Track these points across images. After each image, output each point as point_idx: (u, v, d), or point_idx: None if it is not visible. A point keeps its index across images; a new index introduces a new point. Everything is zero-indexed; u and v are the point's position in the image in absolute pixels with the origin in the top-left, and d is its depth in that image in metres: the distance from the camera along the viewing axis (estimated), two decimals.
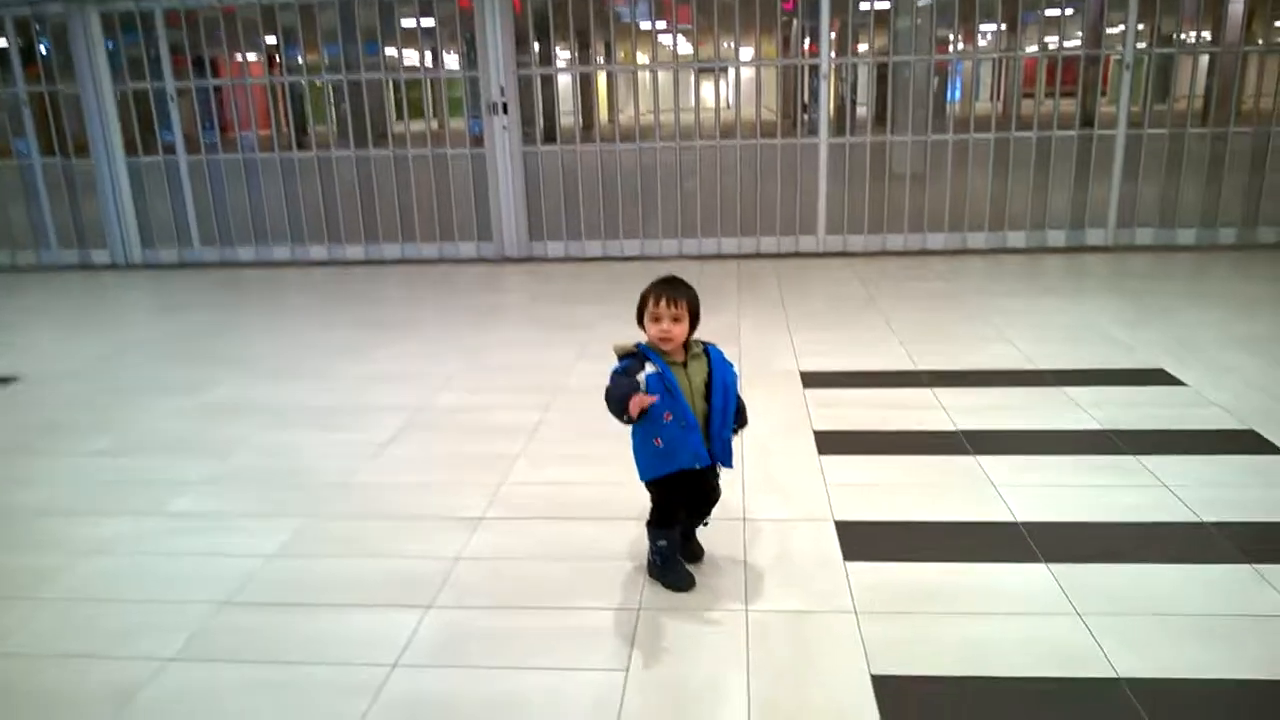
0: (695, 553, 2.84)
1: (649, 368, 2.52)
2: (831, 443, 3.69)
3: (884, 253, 7.82)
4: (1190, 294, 6.06)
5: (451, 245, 8.11)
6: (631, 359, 2.54)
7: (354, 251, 8.16)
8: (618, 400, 2.49)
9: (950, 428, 3.80)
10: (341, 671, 2.37)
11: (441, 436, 3.95)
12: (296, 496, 3.39)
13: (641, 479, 2.65)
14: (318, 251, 8.16)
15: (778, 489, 3.29)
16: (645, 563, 2.76)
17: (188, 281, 7.71)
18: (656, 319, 2.55)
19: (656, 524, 2.68)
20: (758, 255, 7.89)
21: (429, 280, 7.52)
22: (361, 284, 7.43)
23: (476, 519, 3.16)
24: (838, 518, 3.06)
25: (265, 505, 3.33)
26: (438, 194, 8.00)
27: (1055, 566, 2.70)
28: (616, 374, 2.53)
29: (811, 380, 4.49)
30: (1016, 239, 7.75)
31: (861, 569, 2.74)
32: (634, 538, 2.91)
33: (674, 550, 2.70)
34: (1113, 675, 2.23)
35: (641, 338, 2.62)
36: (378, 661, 2.40)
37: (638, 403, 2.46)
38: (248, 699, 2.29)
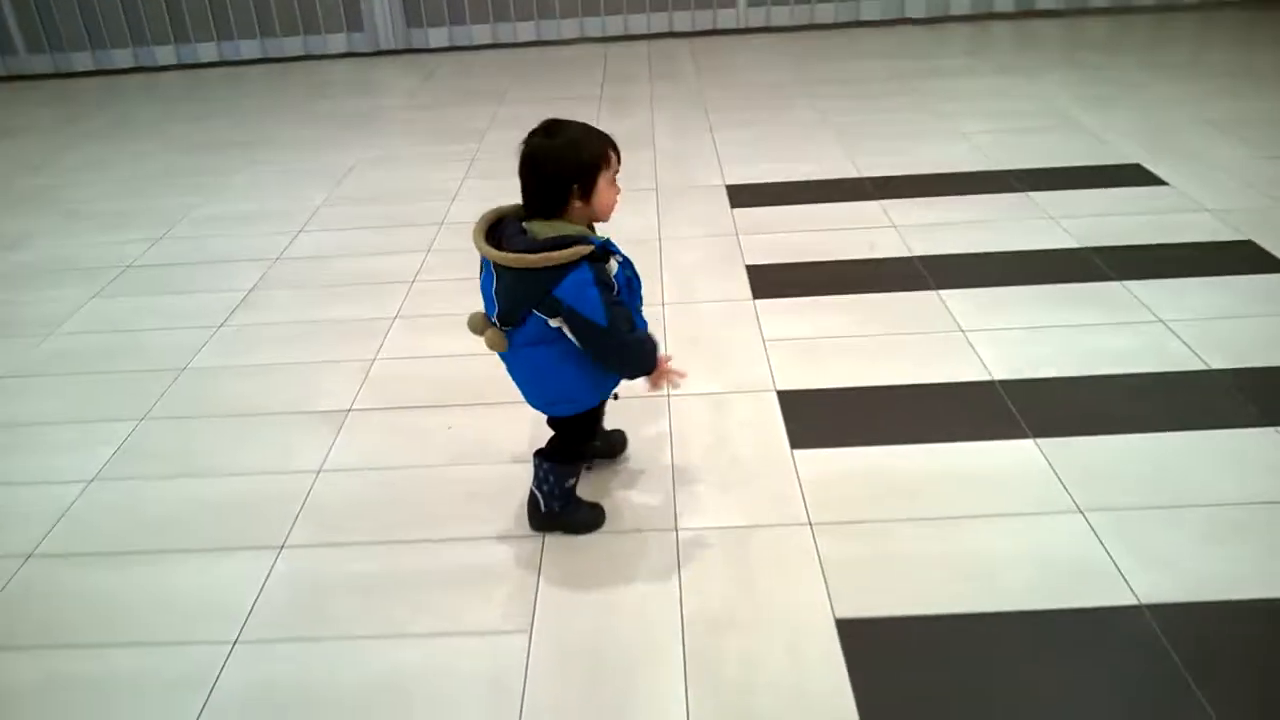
0: (615, 445, 2.30)
1: (612, 261, 1.76)
2: (767, 281, 3.10)
3: (812, 26, 6.95)
4: (1157, 65, 5.43)
5: (318, 39, 6.97)
6: (597, 262, 1.71)
7: (207, 51, 6.96)
8: (641, 358, 1.82)
9: (905, 253, 3.23)
10: (167, 657, 1.83)
11: (301, 297, 3.26)
12: (122, 392, 2.73)
13: (572, 412, 1.93)
14: (165, 54, 6.94)
15: (707, 350, 2.73)
16: (530, 497, 2.07)
17: (11, 100, 6.52)
18: (613, 182, 1.78)
19: (565, 459, 2.00)
20: (670, 34, 6.95)
21: (290, 82, 6.46)
22: (215, 90, 6.36)
23: (341, 413, 2.55)
24: (780, 387, 2.52)
25: (84, 407, 2.67)
26: None
27: (1045, 443, 2.22)
28: (606, 296, 1.72)
29: (740, 196, 3.84)
30: (960, 4, 6.93)
31: (813, 459, 2.23)
32: (534, 433, 2.35)
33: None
34: (1132, 601, 1.80)
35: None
36: (214, 639, 1.86)
37: (664, 371, 1.85)
38: (47, 700, 1.75)
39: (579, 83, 5.93)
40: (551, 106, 5.23)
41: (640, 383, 1.88)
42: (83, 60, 6.95)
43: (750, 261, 3.25)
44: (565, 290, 1.67)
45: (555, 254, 1.65)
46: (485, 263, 1.77)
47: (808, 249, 3.31)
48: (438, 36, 6.97)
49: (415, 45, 7.02)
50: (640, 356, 1.81)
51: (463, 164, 4.49)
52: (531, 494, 2.05)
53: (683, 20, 6.92)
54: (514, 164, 1.76)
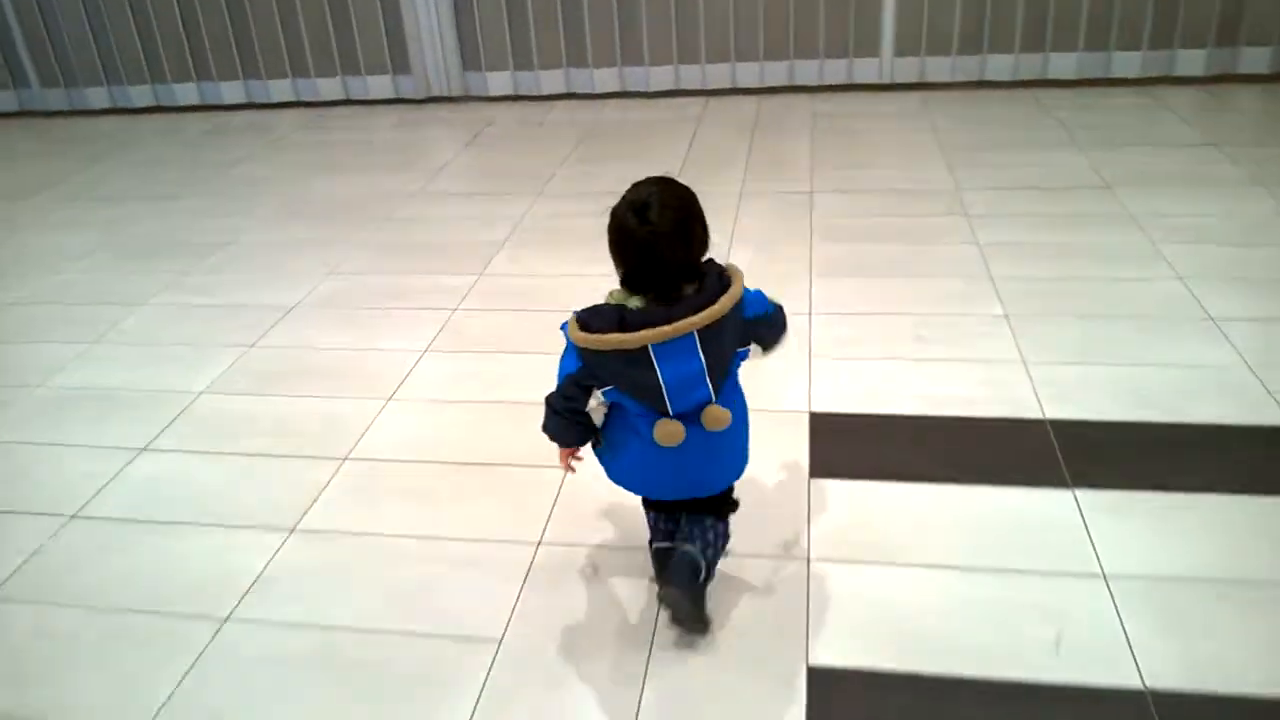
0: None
1: None
2: None
3: (983, 84, 5.25)
4: None
5: (358, 81, 5.74)
6: None
7: (233, 92, 5.86)
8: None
9: (1136, 683, 1.67)
10: None
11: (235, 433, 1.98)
12: None
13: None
14: (186, 93, 5.88)
15: None
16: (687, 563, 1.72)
17: (25, 135, 5.61)
18: None
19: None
20: (789, 89, 5.39)
21: (316, 133, 5.27)
22: (233, 138, 5.23)
23: None
24: None
25: None
26: (331, 6, 5.56)
27: None
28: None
29: (827, 448, 2.30)
30: (1191, 61, 5.07)
31: None
32: None
33: None
34: None
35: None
36: None
37: None
38: None
39: (653, 153, 4.48)
40: (593, 191, 3.82)
41: None
42: (98, 97, 5.96)
43: (825, 662, 1.74)
44: (753, 307, 1.61)
45: (739, 276, 1.56)
46: (668, 354, 1.51)
47: (931, 640, 1.76)
48: (499, 83, 5.63)
49: (473, 92, 5.70)
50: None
51: (431, 327, 3.11)
52: (689, 561, 1.71)
53: (807, 72, 5.34)
54: None
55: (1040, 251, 3.24)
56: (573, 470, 1.76)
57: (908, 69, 5.27)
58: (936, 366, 2.61)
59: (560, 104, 5.55)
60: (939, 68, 5.24)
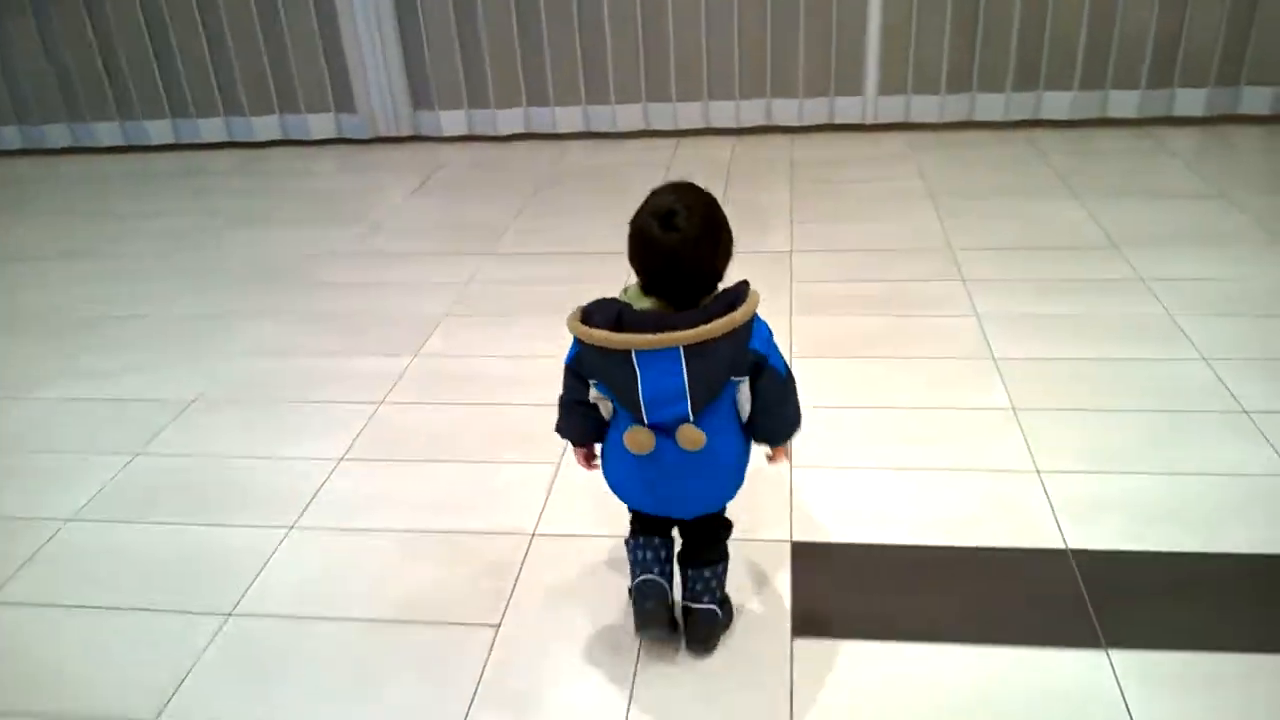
0: None
1: None
2: None
3: (971, 124, 4.89)
4: None
5: (297, 120, 5.29)
6: None
7: (159, 131, 5.37)
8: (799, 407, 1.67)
9: None
10: None
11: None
12: None
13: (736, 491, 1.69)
14: (109, 132, 5.39)
15: None
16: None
17: None
18: None
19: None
20: (767, 129, 5.00)
21: (250, 179, 4.80)
22: (156, 185, 4.74)
23: None
24: None
25: None
26: (266, 38, 5.10)
27: None
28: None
29: (811, 598, 1.87)
30: (1194, 100, 4.74)
31: None
32: None
33: None
34: None
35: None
36: None
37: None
38: None
39: (618, 201, 4.03)
40: (549, 250, 3.39)
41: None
42: (10, 136, 5.45)
43: None
44: (759, 341, 1.52)
45: (751, 303, 1.48)
46: (651, 363, 1.47)
47: None
48: (453, 122, 5.19)
49: (424, 132, 5.26)
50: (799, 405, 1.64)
51: (350, 427, 2.66)
52: (702, 614, 1.71)
53: (785, 111, 4.95)
54: None
55: (1048, 325, 2.85)
56: (596, 467, 1.71)
57: (892, 108, 4.90)
58: (935, 478, 2.20)
59: (519, 145, 5.13)
60: (926, 107, 4.87)
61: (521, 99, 5.08)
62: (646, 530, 1.72)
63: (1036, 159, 4.40)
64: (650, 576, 1.67)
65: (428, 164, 4.89)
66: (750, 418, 1.60)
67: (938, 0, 4.64)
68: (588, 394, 1.60)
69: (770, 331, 1.55)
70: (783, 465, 1.83)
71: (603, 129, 5.09)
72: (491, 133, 5.17)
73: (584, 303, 1.52)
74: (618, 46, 4.89)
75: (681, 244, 1.46)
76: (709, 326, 1.43)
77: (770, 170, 4.42)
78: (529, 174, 4.63)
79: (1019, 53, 4.70)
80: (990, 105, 4.83)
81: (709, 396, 1.51)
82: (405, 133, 5.24)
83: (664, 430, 1.53)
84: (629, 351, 1.46)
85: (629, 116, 5.04)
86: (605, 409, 1.62)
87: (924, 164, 4.40)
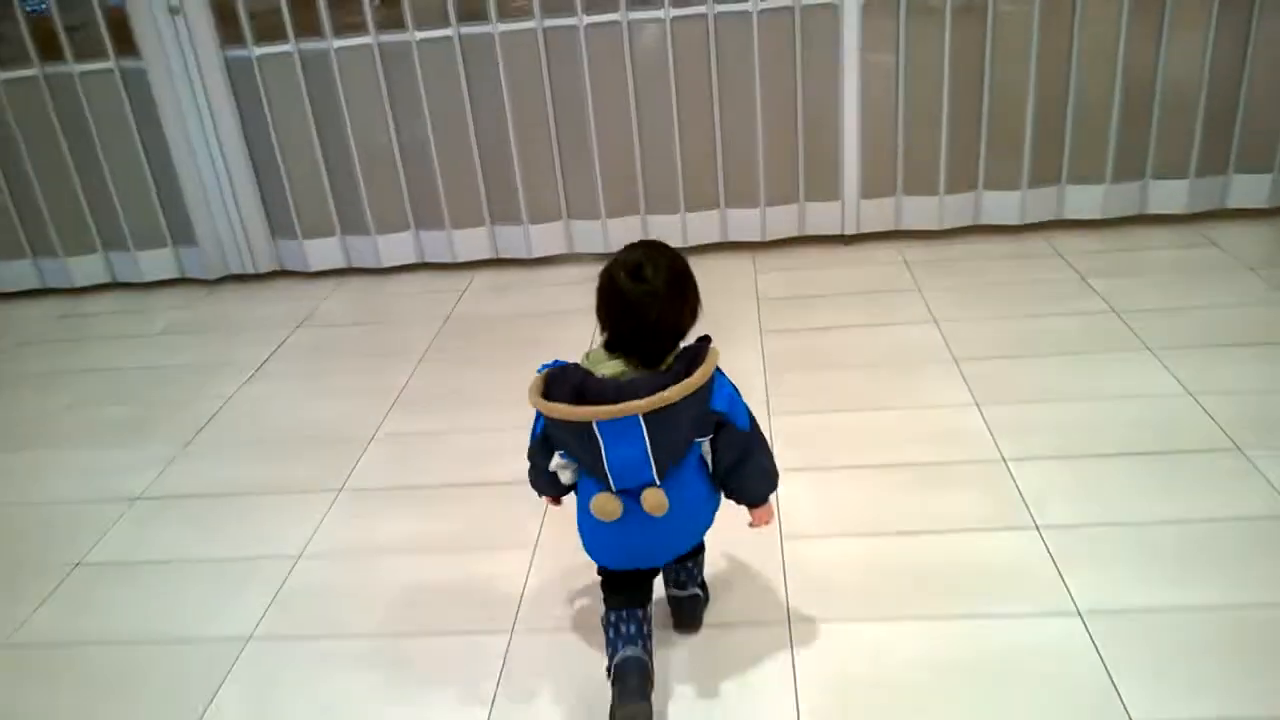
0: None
1: None
2: None
3: (977, 229, 3.88)
4: None
5: (125, 259, 4.15)
6: None
7: None
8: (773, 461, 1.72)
9: None
10: None
11: None
12: None
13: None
14: None
15: None
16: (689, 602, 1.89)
17: None
18: None
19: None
20: (722, 247, 3.95)
21: (48, 349, 3.63)
22: None
23: None
24: None
25: None
26: (77, 158, 3.97)
27: None
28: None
29: None
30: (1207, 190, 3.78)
31: None
32: None
33: None
34: None
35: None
36: None
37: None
38: None
39: (529, 364, 2.97)
40: (430, 481, 2.27)
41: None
42: None
43: None
44: (720, 400, 1.54)
45: (709, 363, 1.49)
46: (613, 433, 1.47)
47: None
48: (325, 253, 4.08)
49: (288, 266, 4.15)
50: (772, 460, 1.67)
51: None
52: (686, 599, 1.86)
53: (744, 224, 3.90)
54: None
55: (1201, 624, 1.79)
56: (558, 504, 1.75)
57: (879, 214, 3.88)
58: None
59: (409, 280, 4.03)
60: (921, 211, 3.85)
61: (408, 222, 3.99)
62: (622, 592, 1.67)
63: (1069, 278, 3.39)
64: (633, 653, 1.61)
65: (289, 314, 3.77)
66: (721, 478, 1.61)
67: (930, 86, 3.64)
68: (550, 463, 1.61)
69: (733, 388, 1.57)
70: (769, 529, 1.74)
71: (515, 254, 4.01)
72: (373, 264, 4.07)
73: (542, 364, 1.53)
74: (528, 154, 3.83)
75: (650, 297, 1.49)
76: (666, 394, 1.43)
77: (728, 310, 3.37)
78: (418, 324, 3.54)
79: (1035, 138, 3.70)
80: (1002, 206, 3.82)
81: (673, 460, 1.52)
82: (264, 268, 4.12)
83: (632, 494, 1.53)
84: (591, 423, 1.45)
85: (550, 239, 3.97)
86: (565, 476, 1.62)
87: (926, 291, 3.37)
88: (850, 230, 3.90)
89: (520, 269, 4.00)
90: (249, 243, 4.04)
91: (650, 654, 1.64)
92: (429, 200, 3.93)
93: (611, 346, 1.54)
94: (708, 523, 1.69)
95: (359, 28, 3.69)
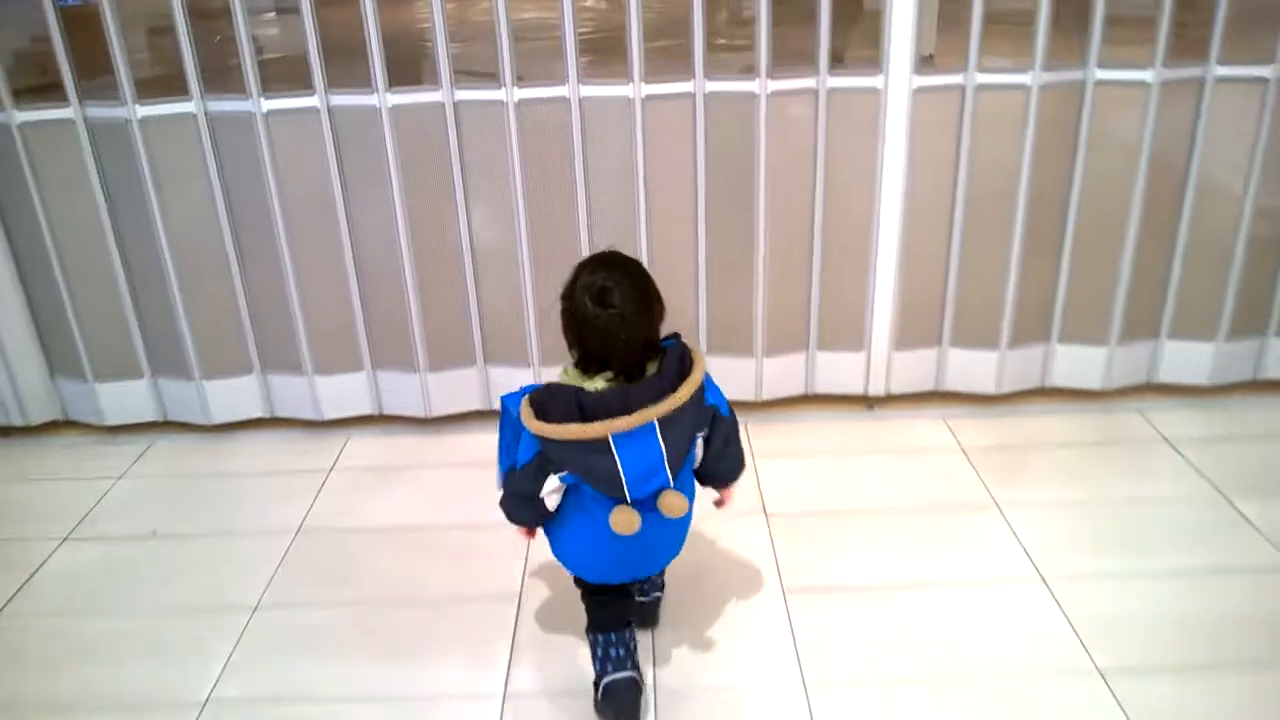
0: None
1: None
2: None
3: (1050, 391, 2.87)
4: None
5: None
6: None
7: None
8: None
9: None
10: None
11: None
12: None
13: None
14: None
15: None
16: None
17: None
18: None
19: None
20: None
21: None
22: None
23: None
24: None
25: None
26: None
27: None
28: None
29: None
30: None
31: None
32: None
33: None
34: None
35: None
36: None
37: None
38: None
39: (424, 624, 1.82)
40: None
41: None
42: None
43: None
44: (712, 393, 1.62)
45: (700, 360, 1.57)
46: (628, 443, 1.47)
47: None
48: (128, 401, 2.82)
49: (77, 416, 2.88)
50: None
51: None
52: (650, 603, 1.91)
53: (733, 378, 2.78)
54: None
55: None
56: (533, 536, 1.72)
57: (915, 370, 2.83)
58: None
59: (252, 443, 2.82)
60: (973, 369, 2.81)
61: (250, 360, 2.77)
62: (608, 609, 1.70)
63: (1184, 472, 2.39)
64: (626, 674, 1.66)
65: (60, 504, 2.51)
66: (703, 465, 1.65)
67: (998, 198, 2.61)
68: (544, 488, 1.57)
69: (710, 376, 1.60)
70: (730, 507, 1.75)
71: (405, 410, 2.83)
72: (199, 419, 2.83)
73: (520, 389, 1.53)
74: (431, 273, 2.67)
75: (619, 321, 1.49)
76: (677, 395, 1.48)
77: (712, 520, 2.26)
78: (252, 533, 2.33)
79: (1134, 277, 2.71)
80: (1080, 365, 2.81)
81: (681, 459, 1.54)
82: (39, 419, 2.84)
83: (644, 504, 1.53)
84: (606, 437, 1.45)
85: (447, 392, 2.80)
86: (553, 502, 1.60)
87: (1002, 495, 2.32)
88: (877, 390, 2.84)
89: (414, 432, 2.82)
90: (14, 384, 2.77)
91: (639, 668, 1.69)
92: (282, 332, 2.73)
93: (586, 366, 1.54)
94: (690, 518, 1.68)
95: (174, 86, 2.47)
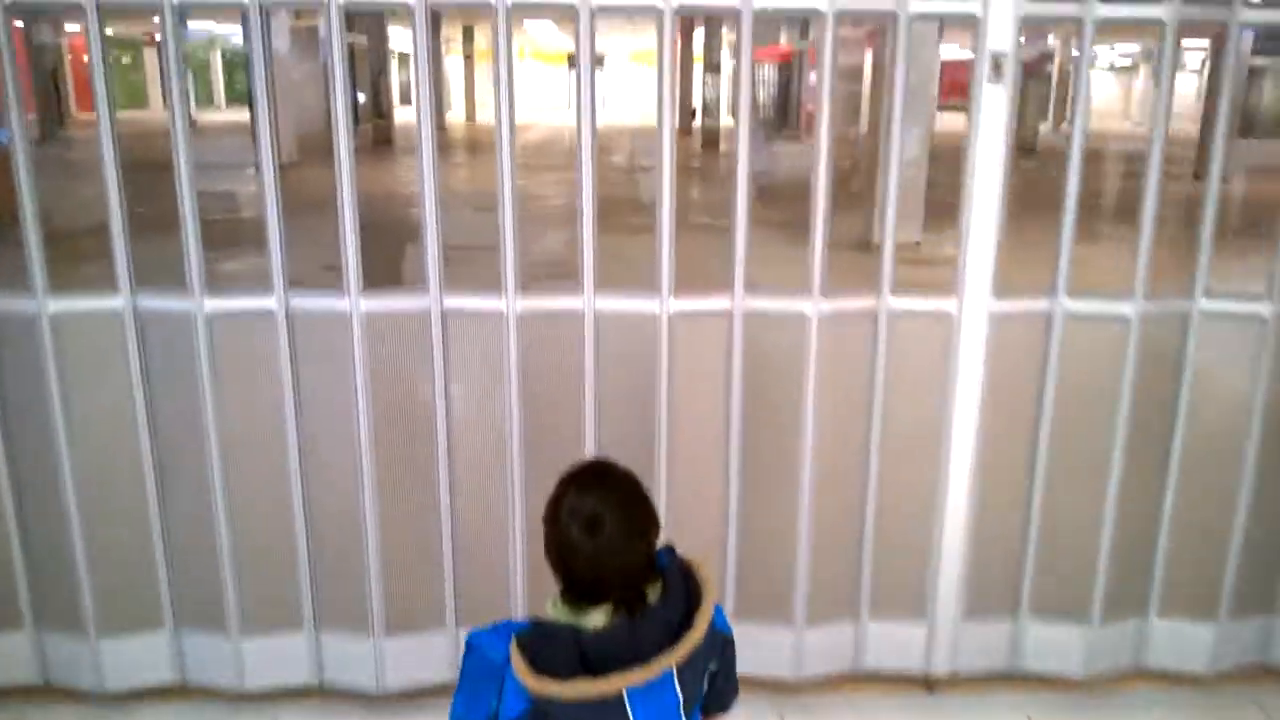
0: None
1: None
2: None
3: (1149, 675, 2.36)
4: None
5: None
6: None
7: None
8: None
9: None
10: None
11: None
12: None
13: None
14: None
15: None
16: None
17: None
18: None
19: None
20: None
21: None
22: None
23: None
24: None
25: None
26: None
27: None
28: None
29: None
30: None
31: None
32: None
33: None
34: None
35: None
36: None
37: None
38: None
39: None
40: None
41: None
42: None
43: None
44: (721, 621, 1.38)
45: (711, 584, 1.35)
46: (643, 695, 1.27)
47: None
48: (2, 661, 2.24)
49: None
50: None
51: None
52: None
53: (768, 651, 2.23)
54: None
55: None
56: None
57: (987, 646, 2.32)
58: None
59: (159, 717, 2.21)
60: (1055, 646, 2.31)
61: (161, 614, 2.20)
62: None
63: None
64: None
65: None
66: (705, 697, 1.41)
67: (1091, 440, 2.19)
68: None
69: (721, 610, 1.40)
70: None
71: (352, 683, 2.25)
72: (91, 685, 2.23)
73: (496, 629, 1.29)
74: (394, 507, 2.16)
75: (609, 548, 1.28)
76: (694, 633, 1.29)
77: None
78: None
79: (1245, 540, 2.26)
80: (1182, 643, 2.32)
81: (695, 703, 1.36)
82: None
83: None
84: (620, 692, 1.25)
85: (411, 657, 2.24)
86: None
87: None
88: (940, 668, 2.32)
89: (363, 712, 2.24)
90: None
91: None
92: (203, 580, 2.17)
93: (577, 597, 1.30)
94: None
95: (101, 281, 2.01)
